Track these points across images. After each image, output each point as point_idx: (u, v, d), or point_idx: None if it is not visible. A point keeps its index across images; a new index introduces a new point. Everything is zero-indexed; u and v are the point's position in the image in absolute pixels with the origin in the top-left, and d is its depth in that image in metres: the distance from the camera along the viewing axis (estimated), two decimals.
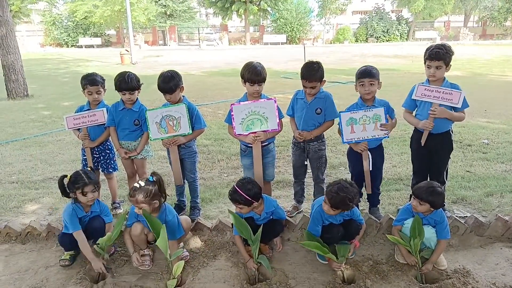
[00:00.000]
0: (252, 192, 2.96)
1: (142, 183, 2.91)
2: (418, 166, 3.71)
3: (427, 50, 3.38)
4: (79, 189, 3.00)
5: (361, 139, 3.42)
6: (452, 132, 3.53)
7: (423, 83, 3.43)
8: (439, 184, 2.96)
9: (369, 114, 3.38)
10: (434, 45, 3.40)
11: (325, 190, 2.98)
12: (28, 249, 3.31)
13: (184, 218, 3.28)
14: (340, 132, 3.53)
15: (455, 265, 2.96)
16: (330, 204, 2.87)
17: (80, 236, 3.00)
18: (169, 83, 3.49)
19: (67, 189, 3.07)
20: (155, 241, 3.18)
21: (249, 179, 3.12)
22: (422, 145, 3.44)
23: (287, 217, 3.49)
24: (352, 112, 3.41)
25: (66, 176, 3.10)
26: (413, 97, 3.43)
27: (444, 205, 3.73)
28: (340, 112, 3.46)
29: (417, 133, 3.56)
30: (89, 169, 3.38)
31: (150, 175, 3.00)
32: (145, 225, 3.03)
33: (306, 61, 3.56)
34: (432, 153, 3.52)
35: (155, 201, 2.93)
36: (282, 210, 3.28)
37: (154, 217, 2.87)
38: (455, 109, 3.34)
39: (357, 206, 3.28)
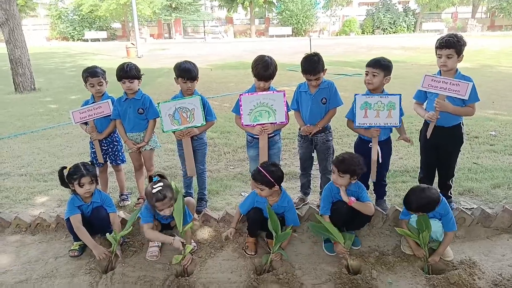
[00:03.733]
0: (276, 174, 2.99)
1: (160, 184, 2.95)
2: (426, 160, 3.68)
3: (437, 40, 3.33)
4: (76, 180, 3.06)
5: (373, 124, 3.38)
6: (463, 125, 3.47)
7: (434, 74, 3.37)
8: (425, 186, 2.99)
9: (384, 100, 3.33)
10: (446, 34, 3.36)
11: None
12: (38, 240, 3.36)
13: (187, 200, 3.35)
14: (348, 125, 3.55)
15: (462, 256, 2.96)
16: (337, 170, 2.98)
17: (76, 222, 3.07)
18: (194, 70, 3.55)
19: (65, 180, 3.14)
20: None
21: (274, 163, 3.15)
22: (428, 137, 3.40)
23: None
24: (367, 96, 3.38)
25: (65, 167, 3.17)
26: (420, 87, 3.39)
27: (451, 196, 3.73)
28: (355, 94, 3.43)
29: (426, 126, 3.51)
30: (93, 162, 3.43)
31: (154, 176, 3.06)
32: (163, 221, 3.18)
33: (304, 55, 3.54)
34: (441, 146, 3.48)
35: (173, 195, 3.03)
36: (297, 218, 3.20)
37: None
38: (464, 102, 3.28)
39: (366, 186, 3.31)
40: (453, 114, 3.32)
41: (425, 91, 3.44)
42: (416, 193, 2.91)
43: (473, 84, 3.22)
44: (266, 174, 2.95)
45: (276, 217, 2.97)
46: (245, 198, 3.25)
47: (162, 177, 3.11)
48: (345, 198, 3.00)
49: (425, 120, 3.53)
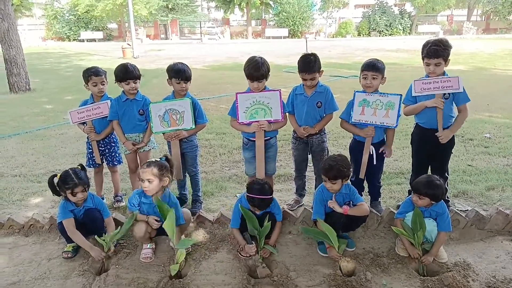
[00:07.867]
0: (269, 189, 3.07)
1: (153, 159, 3.01)
2: (418, 162, 3.68)
3: (424, 47, 3.33)
4: (69, 189, 3.02)
5: (368, 122, 3.38)
6: None
7: (422, 78, 3.37)
8: (438, 177, 2.95)
9: (383, 99, 3.32)
10: (431, 41, 3.33)
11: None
12: (31, 242, 3.34)
13: (184, 211, 3.30)
14: (341, 125, 3.56)
15: (456, 258, 2.97)
16: (328, 178, 2.96)
17: (70, 225, 3.05)
18: (188, 70, 3.55)
19: (57, 188, 3.10)
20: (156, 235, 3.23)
21: (253, 182, 3.13)
22: (440, 135, 3.37)
23: (288, 210, 3.51)
24: (367, 94, 3.37)
25: (56, 175, 3.12)
26: (414, 94, 3.38)
27: (449, 200, 3.73)
28: (355, 91, 3.43)
29: (418, 129, 3.54)
30: (83, 166, 3.38)
31: (162, 157, 3.12)
32: (147, 213, 3.10)
33: (301, 55, 3.56)
34: (434, 149, 3.49)
35: (165, 178, 3.02)
36: (280, 212, 3.24)
37: (162, 202, 2.96)
38: (456, 103, 3.32)
39: (360, 192, 3.31)
40: (451, 117, 3.37)
41: (415, 96, 3.42)
42: (430, 176, 3.00)
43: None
44: (267, 197, 3.03)
45: (254, 217, 3.02)
46: (232, 216, 3.19)
47: (168, 160, 3.14)
48: (339, 209, 2.98)
49: (416, 123, 3.54)
